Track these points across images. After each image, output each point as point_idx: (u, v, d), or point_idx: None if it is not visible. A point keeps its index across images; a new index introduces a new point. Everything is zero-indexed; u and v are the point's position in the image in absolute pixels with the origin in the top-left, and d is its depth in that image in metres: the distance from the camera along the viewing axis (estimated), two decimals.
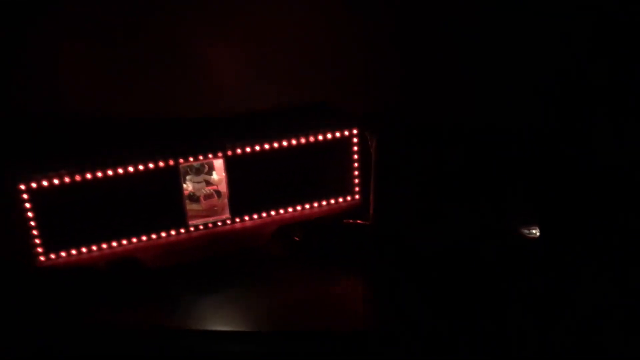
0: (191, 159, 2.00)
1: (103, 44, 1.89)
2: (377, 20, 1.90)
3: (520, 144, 1.90)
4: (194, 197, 2.14)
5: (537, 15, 1.81)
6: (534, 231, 1.75)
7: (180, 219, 1.95)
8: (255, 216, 2.00)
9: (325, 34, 1.89)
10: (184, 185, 2.08)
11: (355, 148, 2.02)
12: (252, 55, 1.91)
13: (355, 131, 2.00)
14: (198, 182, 2.16)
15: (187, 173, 2.15)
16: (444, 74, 2.00)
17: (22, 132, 1.85)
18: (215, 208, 2.02)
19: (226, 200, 1.96)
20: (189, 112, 2.06)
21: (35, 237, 1.82)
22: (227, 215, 1.99)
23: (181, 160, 1.99)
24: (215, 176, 2.18)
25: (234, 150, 1.90)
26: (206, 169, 2.17)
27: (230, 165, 1.93)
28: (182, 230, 1.95)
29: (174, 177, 1.99)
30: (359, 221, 1.94)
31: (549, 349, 1.44)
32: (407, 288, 1.69)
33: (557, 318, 1.51)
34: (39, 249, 1.83)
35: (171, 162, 1.98)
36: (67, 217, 1.82)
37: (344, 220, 1.95)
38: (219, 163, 1.97)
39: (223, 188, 2.01)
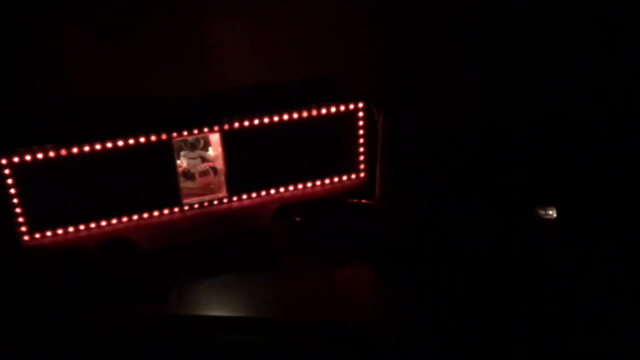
0: (185, 133, 1.88)
1: (97, 20, 1.77)
2: None
3: (533, 133, 1.86)
4: (188, 174, 2.03)
5: None
6: (550, 212, 1.68)
7: (173, 197, 1.86)
8: (254, 195, 1.91)
9: (334, 5, 1.79)
10: (178, 162, 1.97)
11: (361, 123, 1.92)
12: (254, 28, 1.80)
13: (360, 105, 1.89)
14: (193, 158, 2.04)
15: (181, 149, 2.03)
16: (459, 53, 1.90)
17: (6, 109, 1.74)
18: (212, 186, 1.93)
19: (223, 178, 1.88)
20: (188, 89, 1.91)
21: (19, 215, 1.74)
22: (223, 193, 1.89)
23: (174, 135, 1.87)
24: (211, 152, 2.07)
25: (230, 124, 1.80)
26: (201, 144, 2.05)
27: (227, 141, 1.83)
28: (176, 210, 1.86)
29: (167, 152, 1.87)
30: (364, 201, 1.86)
31: (561, 346, 1.40)
32: (413, 274, 1.62)
33: (566, 317, 1.47)
34: (23, 228, 1.75)
35: (164, 136, 1.86)
36: (52, 194, 1.73)
37: (349, 200, 1.85)
38: (215, 138, 1.89)
39: (220, 165, 1.91)
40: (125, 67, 1.79)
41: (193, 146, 2.03)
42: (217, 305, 1.54)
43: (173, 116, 1.88)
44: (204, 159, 1.95)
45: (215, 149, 2.05)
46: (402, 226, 1.77)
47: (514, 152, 1.86)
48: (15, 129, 1.72)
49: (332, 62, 1.88)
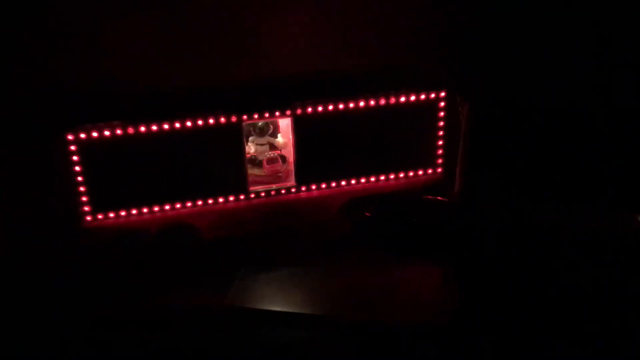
0: (256, 116, 1.79)
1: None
2: None
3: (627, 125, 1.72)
4: (255, 161, 1.94)
5: None
6: None
7: (240, 184, 1.79)
8: (324, 185, 1.84)
9: None
10: (246, 147, 1.88)
11: (442, 114, 1.83)
12: (332, 13, 1.70)
13: (443, 94, 1.79)
14: (261, 145, 1.95)
15: (249, 134, 1.95)
16: (549, 40, 1.75)
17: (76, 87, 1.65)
18: (279, 174, 1.88)
19: (291, 167, 1.81)
20: (261, 73, 1.80)
21: (82, 194, 1.69)
22: (292, 182, 1.83)
23: (244, 117, 1.78)
24: (280, 139, 1.98)
25: (303, 109, 1.73)
26: (271, 130, 1.96)
27: (299, 126, 1.75)
28: (242, 197, 1.79)
29: (236, 136, 1.79)
30: (439, 198, 1.77)
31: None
32: (487, 278, 1.52)
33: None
34: (86, 208, 1.71)
35: (234, 119, 1.77)
36: (117, 174, 1.69)
37: (423, 197, 1.78)
38: (285, 124, 1.84)
39: (289, 153, 1.90)
40: (196, 50, 1.72)
41: (262, 131, 1.94)
42: (277, 300, 1.47)
43: (243, 99, 1.78)
44: (272, 146, 1.89)
45: (284, 136, 1.96)
46: (481, 227, 1.65)
47: (610, 144, 1.74)
48: (82, 106, 1.65)
49: (412, 48, 1.78)
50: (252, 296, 1.47)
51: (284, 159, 1.88)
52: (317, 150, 1.79)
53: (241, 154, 1.75)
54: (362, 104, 1.75)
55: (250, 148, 1.88)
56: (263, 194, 1.81)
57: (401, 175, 1.88)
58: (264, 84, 1.82)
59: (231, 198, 1.78)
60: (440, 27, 1.81)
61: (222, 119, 1.76)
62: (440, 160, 1.88)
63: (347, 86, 1.83)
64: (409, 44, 1.84)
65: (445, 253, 1.62)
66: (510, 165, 1.78)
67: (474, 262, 1.55)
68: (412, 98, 1.78)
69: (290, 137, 1.78)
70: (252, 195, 1.80)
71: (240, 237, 1.69)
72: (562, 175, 1.77)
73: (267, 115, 1.77)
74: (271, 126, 1.95)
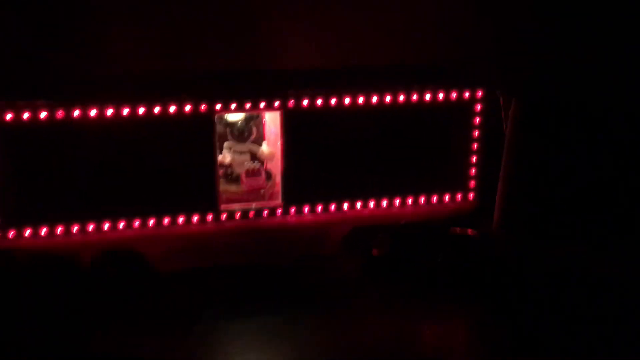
0: (233, 106, 1.46)
1: None
2: None
3: None
4: (231, 175, 1.62)
5: None
6: None
7: (208, 199, 1.50)
8: (319, 208, 1.56)
9: None
10: (220, 156, 1.56)
11: (478, 120, 1.60)
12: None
13: (480, 93, 1.58)
14: (240, 153, 1.63)
15: (224, 137, 1.62)
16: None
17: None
18: (262, 191, 1.60)
19: (278, 181, 1.58)
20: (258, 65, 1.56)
21: None
22: (278, 201, 1.55)
23: (217, 107, 1.44)
24: (265, 148, 1.65)
25: (297, 101, 1.47)
26: (253, 135, 1.63)
27: (290, 125, 1.47)
28: (210, 217, 1.50)
29: (206, 132, 1.45)
30: (470, 232, 1.53)
31: None
32: (525, 333, 1.31)
33: None
34: None
35: (203, 108, 1.43)
36: (39, 175, 1.42)
37: (450, 229, 1.53)
38: (274, 127, 1.59)
39: (276, 167, 1.61)
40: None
41: (241, 135, 1.62)
42: (253, 358, 1.24)
43: (219, 85, 1.47)
44: (254, 157, 1.63)
45: (272, 145, 1.63)
46: (521, 269, 1.45)
47: None
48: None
49: (451, 45, 1.58)
50: (217, 351, 1.23)
51: (269, 175, 1.63)
52: (312, 160, 1.52)
53: (211, 156, 1.46)
54: (374, 99, 1.52)
55: (226, 157, 1.61)
56: (238, 215, 1.52)
57: (422, 199, 1.62)
58: (252, 73, 1.53)
59: (195, 218, 1.49)
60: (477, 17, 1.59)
61: (188, 107, 1.42)
62: (472, 183, 1.65)
63: (358, 80, 1.56)
64: (449, 43, 1.62)
65: (476, 303, 1.40)
66: (563, 191, 1.49)
67: (512, 315, 1.35)
68: (440, 96, 1.56)
69: (279, 143, 1.53)
70: (224, 216, 1.51)
71: (205, 270, 1.41)
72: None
73: (248, 106, 1.46)
74: (254, 129, 1.63)
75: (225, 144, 1.60)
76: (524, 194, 1.49)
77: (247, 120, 1.57)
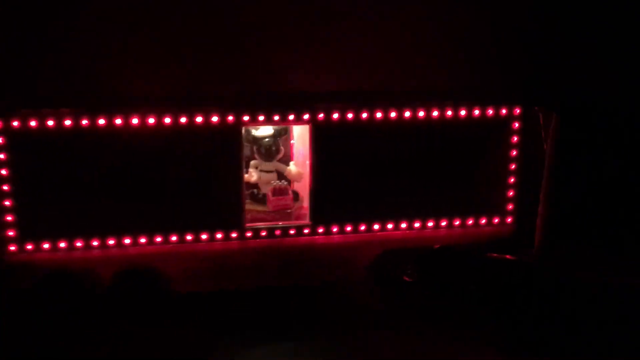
0: (261, 117, 1.39)
1: None
2: None
3: None
4: (257, 196, 1.55)
5: None
6: None
7: (233, 215, 1.42)
8: (349, 228, 1.49)
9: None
10: (246, 175, 1.50)
11: (515, 139, 1.50)
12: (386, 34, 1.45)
13: (517, 111, 1.48)
14: (267, 172, 1.56)
15: (251, 157, 1.55)
16: None
17: None
18: (288, 211, 1.53)
19: (305, 204, 1.52)
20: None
21: (7, 211, 1.33)
22: (305, 221, 1.48)
23: (245, 118, 1.38)
24: (293, 167, 1.59)
25: (327, 114, 1.41)
26: (281, 153, 1.57)
27: (320, 140, 1.41)
28: (234, 235, 1.42)
29: (233, 144, 1.38)
30: (508, 257, 1.43)
31: None
32: None
33: None
34: (11, 233, 1.35)
35: (230, 119, 1.37)
36: (59, 186, 1.35)
37: (487, 254, 1.44)
38: (302, 146, 1.52)
39: (304, 189, 1.53)
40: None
41: (268, 153, 1.56)
42: None
43: (246, 97, 1.38)
44: (281, 176, 1.57)
45: (299, 165, 1.57)
46: (567, 299, 1.33)
47: None
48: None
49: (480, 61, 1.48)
50: None
51: (296, 195, 1.56)
52: (342, 177, 1.45)
53: (237, 170, 1.39)
54: (407, 114, 1.40)
55: (252, 175, 1.56)
56: (264, 233, 1.45)
57: (456, 222, 1.54)
58: (282, 92, 1.45)
59: (219, 235, 1.41)
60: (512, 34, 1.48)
61: (215, 118, 1.37)
62: (510, 206, 1.55)
63: (392, 97, 1.47)
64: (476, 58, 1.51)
65: (512, 336, 1.28)
66: (610, 211, 1.41)
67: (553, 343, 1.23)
68: (476, 113, 1.48)
69: (307, 162, 1.46)
70: (249, 234, 1.43)
71: (228, 292, 1.34)
72: None
73: (276, 118, 1.40)
74: (282, 148, 1.57)
75: (252, 163, 1.54)
76: (568, 216, 1.39)
77: (274, 138, 1.52)
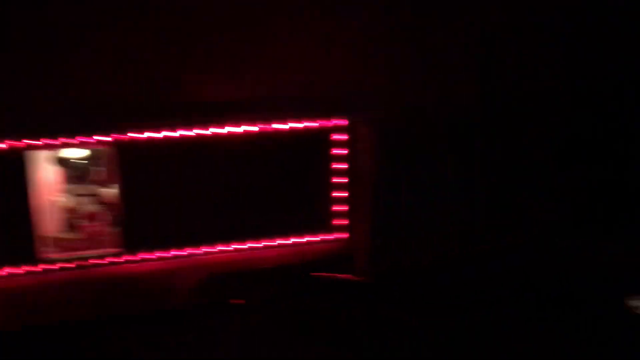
0: (46, 141, 1.23)
1: None
2: None
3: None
4: (70, 222, 1.41)
5: None
6: None
7: (24, 247, 1.25)
8: (167, 254, 1.37)
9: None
10: (61, 199, 1.38)
11: (344, 152, 1.41)
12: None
13: (340, 122, 1.39)
14: (81, 195, 1.44)
15: (66, 179, 1.42)
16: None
17: None
18: (103, 238, 1.42)
19: (119, 227, 1.39)
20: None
21: None
22: (116, 248, 1.37)
23: (26, 142, 1.22)
24: (108, 190, 1.46)
25: (135, 133, 1.26)
26: (94, 176, 1.44)
27: (127, 163, 1.30)
28: (28, 269, 1.27)
29: (14, 172, 1.21)
30: (340, 276, 1.37)
31: None
32: None
33: None
34: None
35: (4, 145, 1.19)
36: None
37: (314, 274, 1.37)
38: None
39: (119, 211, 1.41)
40: None
41: (81, 175, 1.39)
42: None
43: (33, 120, 1.24)
44: (97, 200, 1.43)
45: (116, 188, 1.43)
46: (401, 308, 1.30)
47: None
48: None
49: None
50: None
51: (113, 219, 1.44)
52: (158, 200, 1.34)
53: (24, 198, 1.21)
54: (223, 130, 1.21)
55: (65, 201, 1.42)
56: (66, 266, 1.30)
57: (288, 241, 1.43)
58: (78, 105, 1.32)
59: (10, 271, 1.27)
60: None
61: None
62: (345, 221, 1.45)
63: (211, 112, 1.37)
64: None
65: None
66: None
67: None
68: (298, 126, 1.38)
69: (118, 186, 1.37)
70: (44, 268, 1.29)
71: (33, 329, 1.20)
72: None
73: (63, 140, 1.25)
74: (93, 170, 1.44)
75: (68, 187, 1.40)
76: (391, 228, 1.34)
77: (87, 160, 1.39)
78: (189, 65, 1.47)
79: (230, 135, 1.32)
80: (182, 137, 1.30)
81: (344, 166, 1.42)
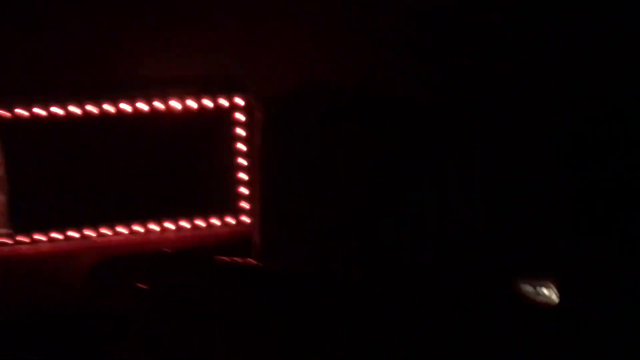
0: None
1: None
2: None
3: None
4: None
5: None
6: (545, 291, 1.26)
7: None
8: (59, 236, 1.37)
9: None
10: None
11: (240, 132, 1.41)
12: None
13: (240, 101, 1.40)
14: None
15: None
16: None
17: None
18: None
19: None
20: None
21: None
22: (4, 230, 1.35)
23: None
24: None
25: (13, 111, 1.29)
26: None
27: (12, 143, 1.30)
28: None
29: None
30: (237, 259, 1.35)
31: None
32: None
33: None
34: None
35: None
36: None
37: (215, 258, 1.34)
38: None
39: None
40: None
41: None
42: None
43: None
44: None
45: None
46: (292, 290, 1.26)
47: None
48: None
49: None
50: None
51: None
52: (45, 180, 1.34)
53: None
54: (112, 109, 1.26)
55: None
56: None
57: (186, 224, 1.43)
58: None
59: None
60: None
61: None
62: (245, 204, 1.45)
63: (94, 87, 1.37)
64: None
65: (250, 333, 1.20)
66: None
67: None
68: (194, 106, 1.38)
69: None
70: None
71: None
72: None
73: None
74: None
75: None
76: (280, 213, 1.29)
77: None
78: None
79: (130, 113, 1.34)
80: (72, 114, 1.29)
81: (247, 152, 1.40)
